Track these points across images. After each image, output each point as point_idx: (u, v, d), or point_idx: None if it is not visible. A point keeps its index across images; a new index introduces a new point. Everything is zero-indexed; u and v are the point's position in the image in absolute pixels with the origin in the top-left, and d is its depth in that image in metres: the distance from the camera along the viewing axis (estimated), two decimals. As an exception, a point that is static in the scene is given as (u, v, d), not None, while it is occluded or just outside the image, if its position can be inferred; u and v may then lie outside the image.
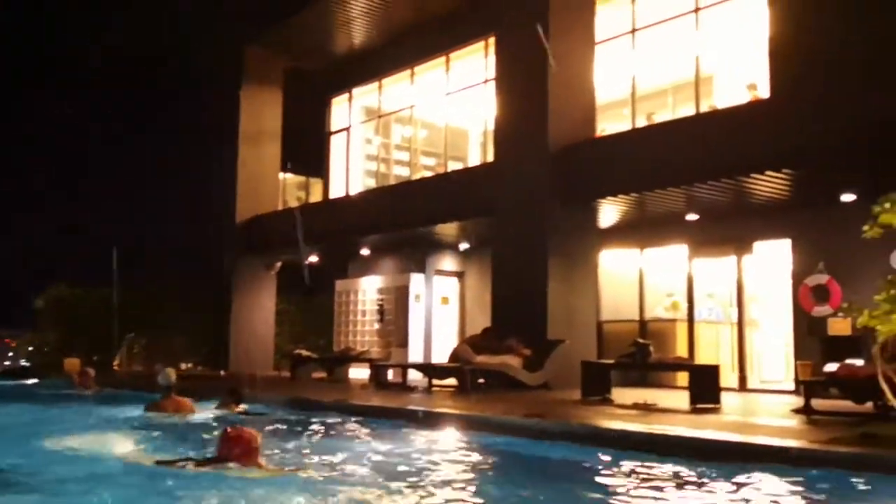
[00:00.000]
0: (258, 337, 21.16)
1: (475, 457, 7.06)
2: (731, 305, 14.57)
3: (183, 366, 21.83)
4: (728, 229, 14.19)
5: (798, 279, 13.01)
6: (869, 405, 8.22)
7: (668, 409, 9.46)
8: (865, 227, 7.00)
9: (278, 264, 21.61)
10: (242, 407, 10.33)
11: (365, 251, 20.12)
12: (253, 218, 21.25)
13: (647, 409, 9.46)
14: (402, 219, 17.15)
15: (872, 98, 10.31)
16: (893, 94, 10.14)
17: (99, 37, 23.88)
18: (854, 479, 5.39)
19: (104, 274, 20.64)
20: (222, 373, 19.22)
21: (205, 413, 9.94)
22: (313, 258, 21.40)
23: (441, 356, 16.59)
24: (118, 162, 26.28)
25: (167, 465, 5.75)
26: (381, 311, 19.23)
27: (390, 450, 7.19)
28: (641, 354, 10.92)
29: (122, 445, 7.25)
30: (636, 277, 15.60)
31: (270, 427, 8.77)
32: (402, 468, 6.23)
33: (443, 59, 18.79)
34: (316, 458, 6.61)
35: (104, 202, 26.18)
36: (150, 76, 24.41)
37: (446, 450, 7.48)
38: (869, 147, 10.27)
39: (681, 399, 10.16)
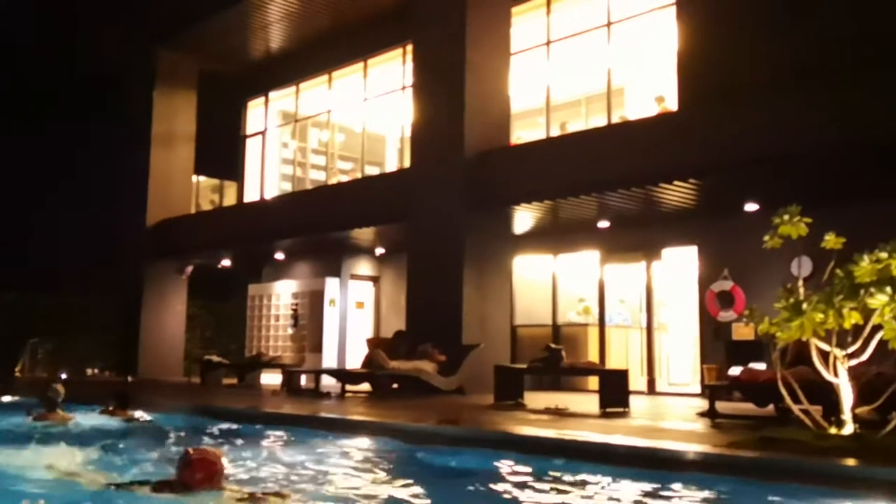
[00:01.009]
0: (168, 342, 20.62)
1: (387, 464, 7.04)
2: (640, 310, 14.94)
3: (89, 371, 21.10)
4: (638, 236, 14.57)
5: (704, 285, 13.45)
6: (770, 408, 8.51)
7: (579, 413, 9.61)
8: (766, 238, 7.24)
9: (189, 268, 21.10)
10: (131, 413, 10.01)
11: (279, 255, 19.87)
12: (164, 221, 20.68)
13: (558, 413, 9.59)
14: (318, 223, 16.98)
15: (774, 113, 10.72)
16: (795, 109, 10.57)
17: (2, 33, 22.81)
18: (751, 483, 5.57)
19: (11, 277, 19.85)
20: (130, 378, 18.65)
21: (91, 419, 9.63)
22: (226, 262, 21.04)
23: (355, 361, 16.49)
24: (25, 163, 25.15)
25: (123, 489, 5.21)
26: (294, 316, 19.01)
27: (306, 459, 7.09)
28: (553, 359, 11.06)
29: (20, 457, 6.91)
30: (549, 283, 15.86)
31: (170, 436, 8.55)
32: (327, 478, 6.16)
33: (361, 64, 18.74)
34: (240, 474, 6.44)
35: (9, 204, 24.99)
36: (58, 75, 23.44)
37: (359, 458, 7.43)
38: (771, 159, 10.69)
39: (592, 403, 10.34)
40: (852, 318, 6.61)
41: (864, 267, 6.62)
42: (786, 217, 7.10)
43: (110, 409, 10.04)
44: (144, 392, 12.96)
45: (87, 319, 21.22)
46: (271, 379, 16.51)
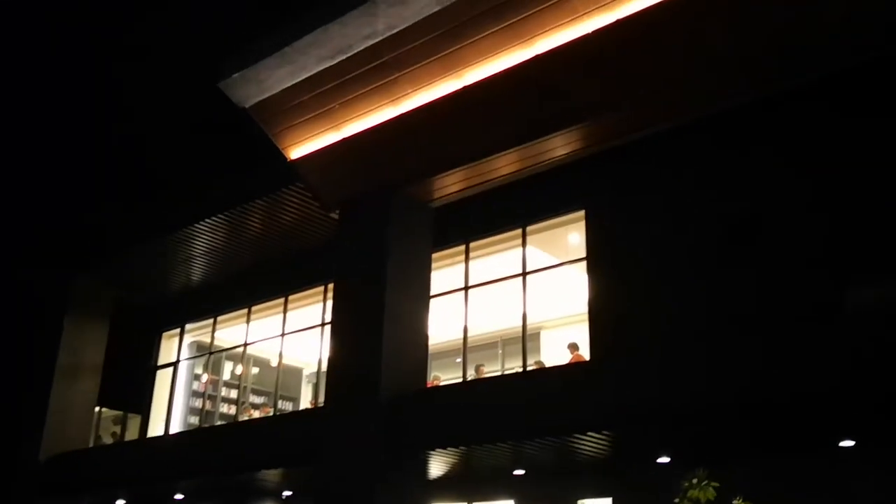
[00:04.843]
0: None
1: None
2: (557, 565, 14.29)
3: None
4: (554, 486, 14.24)
5: (621, 539, 13.06)
6: None
7: None
8: (676, 500, 7.26)
9: (82, 509, 19.54)
10: None
11: (179, 496, 18.68)
12: (58, 455, 19.32)
13: None
14: (223, 464, 16.15)
15: (679, 369, 11.02)
16: (702, 364, 10.89)
17: None
18: None
19: None
20: None
21: None
22: (121, 502, 19.60)
23: None
24: None
25: None
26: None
27: None
28: None
29: None
30: (463, 533, 15.17)
31: None
32: None
33: (281, 300, 18.84)
34: None
35: None
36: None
37: None
38: (677, 416, 10.83)
39: None
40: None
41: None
42: (694, 481, 7.19)
43: None
44: None
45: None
46: None
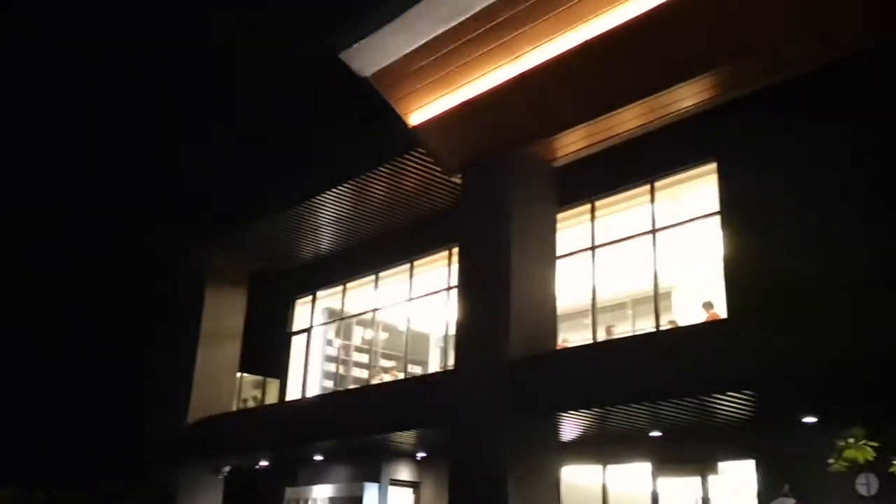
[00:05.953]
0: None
1: None
2: (697, 528, 13.97)
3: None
4: (692, 448, 13.87)
5: (764, 502, 12.60)
6: None
7: None
8: (831, 461, 6.87)
9: (227, 468, 20.59)
10: None
11: (318, 457, 19.35)
12: (205, 419, 20.44)
13: None
14: (358, 425, 16.60)
15: (826, 324, 10.40)
16: (846, 321, 10.24)
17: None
18: None
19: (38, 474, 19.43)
20: None
21: None
22: (264, 462, 20.50)
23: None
24: (61, 358, 25.41)
25: None
26: (331, 525, 18.20)
27: None
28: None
29: None
30: (599, 495, 15.03)
31: None
32: None
33: (407, 265, 19.04)
34: None
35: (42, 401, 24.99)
36: (104, 275, 24.16)
37: None
38: (826, 373, 10.24)
39: None
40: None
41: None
42: (851, 440, 6.78)
43: None
44: None
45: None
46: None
